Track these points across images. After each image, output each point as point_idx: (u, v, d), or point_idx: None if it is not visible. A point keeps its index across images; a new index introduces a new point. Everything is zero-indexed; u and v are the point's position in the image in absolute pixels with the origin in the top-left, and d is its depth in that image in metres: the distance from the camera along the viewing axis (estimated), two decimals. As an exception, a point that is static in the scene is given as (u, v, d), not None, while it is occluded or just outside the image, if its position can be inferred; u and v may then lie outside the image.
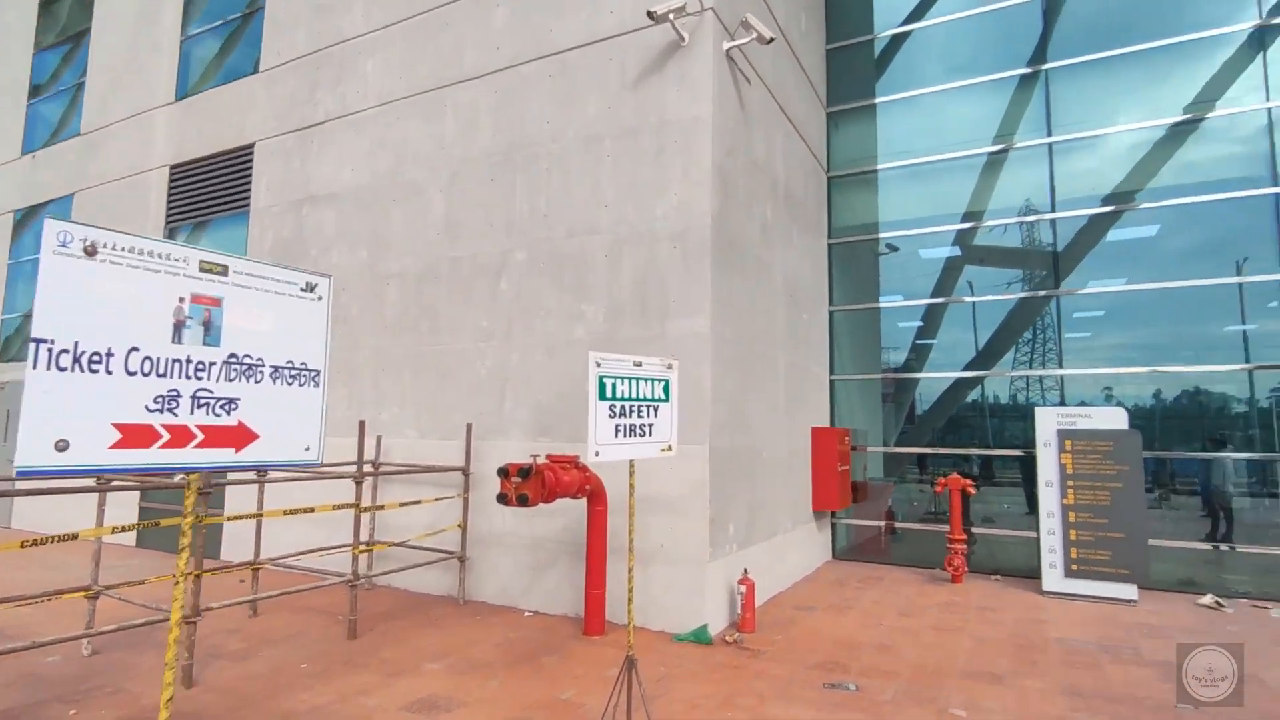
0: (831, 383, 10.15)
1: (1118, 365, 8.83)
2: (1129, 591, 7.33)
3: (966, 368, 9.68)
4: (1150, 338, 8.79)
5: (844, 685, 4.86)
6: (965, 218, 9.79)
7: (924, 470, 10.23)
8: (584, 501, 6.09)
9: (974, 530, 9.48)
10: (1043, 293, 9.17)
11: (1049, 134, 9.25)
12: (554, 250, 7.11)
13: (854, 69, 10.70)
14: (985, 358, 9.56)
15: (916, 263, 10.63)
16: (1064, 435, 7.76)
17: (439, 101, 8.02)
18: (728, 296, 6.68)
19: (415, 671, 5.02)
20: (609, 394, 3.47)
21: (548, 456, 5.60)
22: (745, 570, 6.32)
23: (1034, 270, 9.41)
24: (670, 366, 3.86)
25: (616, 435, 3.48)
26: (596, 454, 3.38)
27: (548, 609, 6.68)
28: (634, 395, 3.59)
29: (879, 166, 10.44)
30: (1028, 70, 9.45)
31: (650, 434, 3.66)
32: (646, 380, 3.66)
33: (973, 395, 9.86)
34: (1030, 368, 9.34)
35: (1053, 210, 9.16)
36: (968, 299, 9.72)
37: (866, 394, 10.72)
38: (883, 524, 10.08)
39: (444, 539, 7.10)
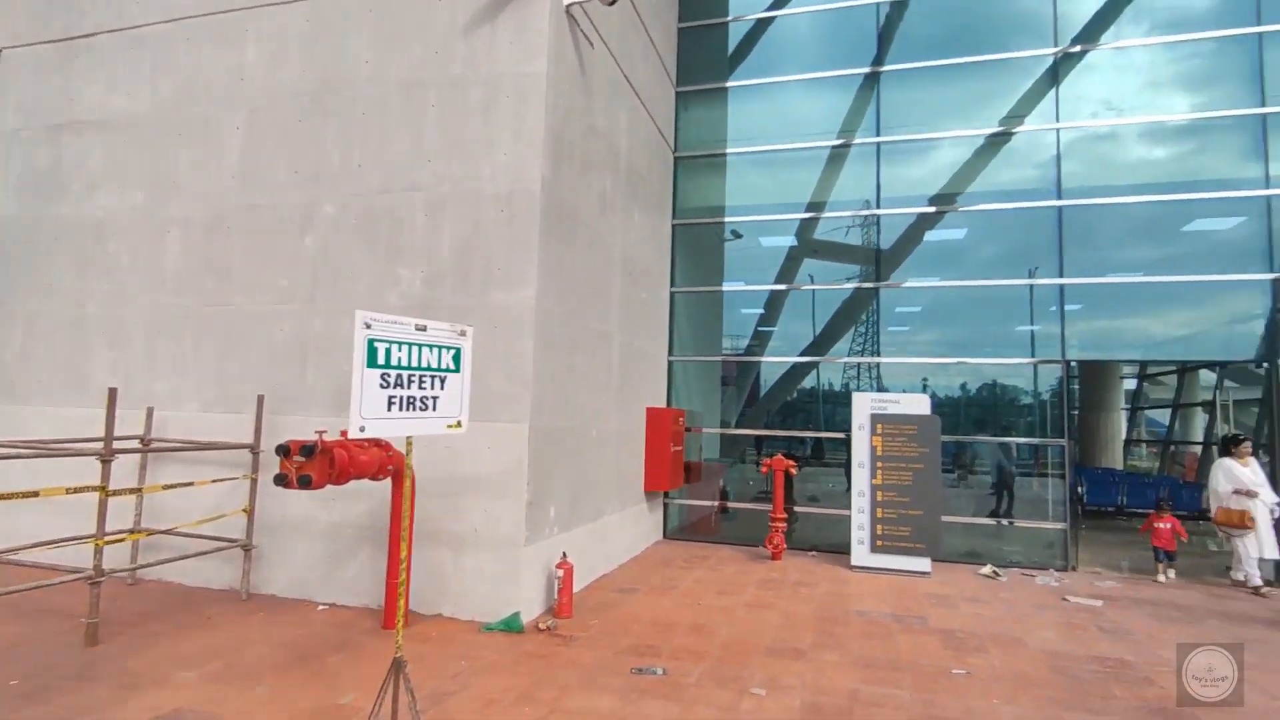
0: (670, 364, 10.14)
1: (929, 357, 9.51)
2: (924, 564, 7.90)
3: (802, 354, 10.03)
4: (957, 334, 9.55)
5: (651, 670, 4.75)
6: (809, 208, 10.10)
7: (761, 452, 10.55)
8: (389, 483, 5.54)
9: (796, 509, 9.90)
10: (868, 285, 9.66)
11: (878, 134, 9.71)
12: (368, 206, 6.41)
13: (707, 51, 10.68)
14: (820, 345, 9.96)
15: (759, 250, 10.87)
16: (876, 419, 8.21)
17: (239, 25, 6.97)
18: (558, 268, 6.35)
19: (163, 682, 4.29)
20: (382, 360, 3.01)
21: (342, 433, 5.00)
22: (564, 554, 6.07)
23: (865, 266, 9.89)
24: (463, 334, 3.46)
25: (391, 408, 3.04)
26: (361, 429, 2.92)
27: (347, 601, 6.07)
28: (415, 364, 3.16)
29: (727, 151, 10.53)
30: (868, 70, 9.86)
31: (435, 408, 3.25)
32: (432, 348, 3.24)
33: (809, 381, 10.25)
34: (862, 355, 9.85)
35: (878, 207, 9.65)
36: (806, 287, 10.06)
37: (706, 376, 10.86)
38: (715, 504, 10.27)
39: (226, 526, 6.24)
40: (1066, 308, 8.83)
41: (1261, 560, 7.50)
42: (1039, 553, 8.76)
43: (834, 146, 9.98)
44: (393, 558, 5.51)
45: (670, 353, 10.17)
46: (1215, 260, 8.66)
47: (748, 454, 10.70)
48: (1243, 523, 7.41)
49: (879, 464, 8.15)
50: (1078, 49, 9.13)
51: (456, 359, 3.38)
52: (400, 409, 3.07)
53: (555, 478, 6.32)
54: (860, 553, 8.09)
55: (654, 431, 9.00)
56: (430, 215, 6.24)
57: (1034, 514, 9.04)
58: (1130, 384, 21.61)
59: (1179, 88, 9.03)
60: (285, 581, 6.27)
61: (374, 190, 6.41)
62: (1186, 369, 18.60)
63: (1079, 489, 12.78)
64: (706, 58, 10.65)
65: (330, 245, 6.47)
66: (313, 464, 4.49)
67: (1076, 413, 18.50)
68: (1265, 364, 8.22)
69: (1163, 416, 21.53)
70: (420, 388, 3.16)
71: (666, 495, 9.85)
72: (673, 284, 10.28)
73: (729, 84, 10.54)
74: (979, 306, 9.53)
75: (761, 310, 10.50)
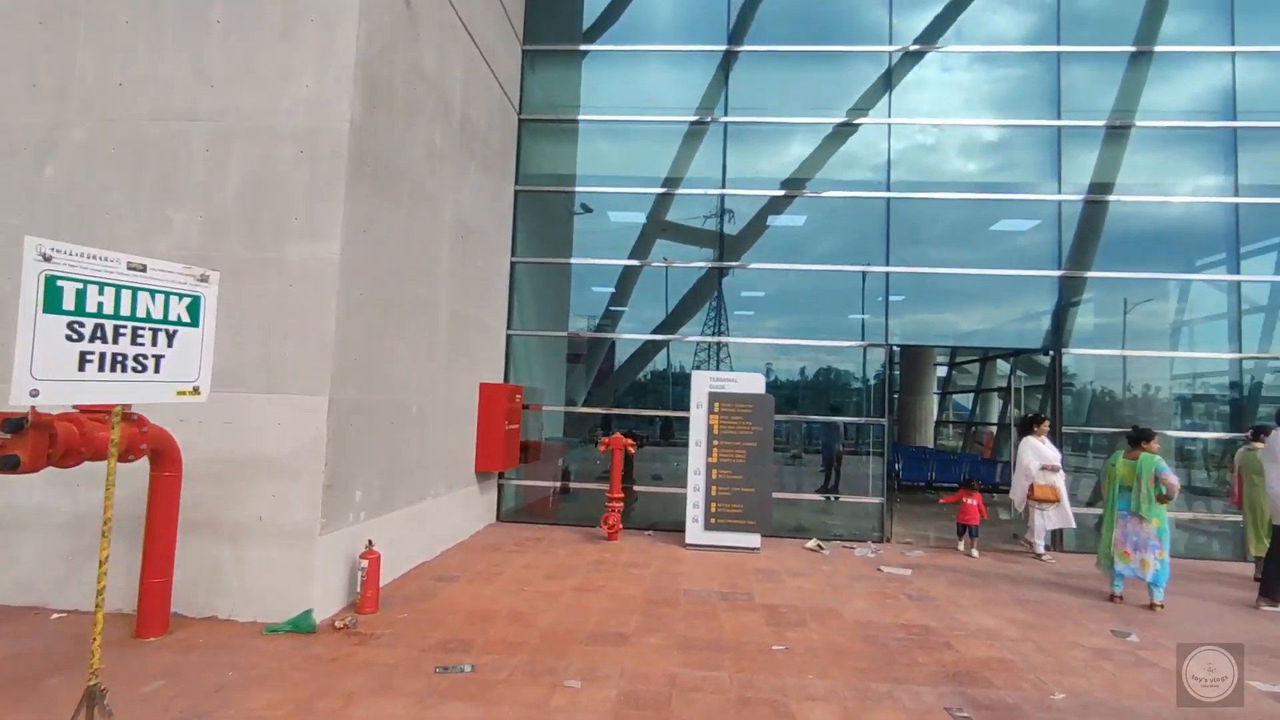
0: (509, 338, 9.62)
1: (771, 338, 9.71)
2: (754, 541, 8.03)
3: (654, 333, 9.86)
4: (797, 320, 9.85)
5: (458, 668, 4.30)
6: (664, 184, 9.89)
7: (609, 431, 10.32)
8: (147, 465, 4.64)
9: (637, 488, 9.79)
10: (713, 264, 9.65)
11: (725, 114, 9.70)
12: (132, 134, 5.34)
13: (561, 13, 10.14)
14: (670, 325, 9.84)
15: (611, 226, 10.57)
16: (714, 398, 8.21)
17: (-44, -106, 5.54)
18: (372, 222, 5.63)
19: None
20: (71, 305, 2.32)
21: (78, 407, 4.07)
22: (370, 542, 5.44)
23: (714, 248, 9.87)
24: (204, 279, 2.80)
25: (85, 367, 2.36)
26: (34, 393, 2.23)
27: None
28: (128, 313, 2.48)
29: (579, 118, 10.09)
30: (724, 49, 9.79)
31: (158, 370, 2.59)
32: (155, 294, 2.57)
33: (660, 361, 10.07)
34: (714, 334, 9.87)
35: (723, 187, 9.65)
36: (656, 264, 9.88)
37: (551, 353, 10.44)
38: (554, 484, 9.92)
39: (-72, 521, 4.99)
40: (891, 298, 9.31)
41: (1051, 531, 8.33)
42: (859, 526, 9.24)
43: (691, 123, 9.85)
44: (150, 554, 4.63)
45: (510, 326, 9.64)
46: (1015, 259, 9.49)
47: (596, 433, 10.45)
48: (1055, 496, 8.11)
49: (715, 442, 8.16)
50: (913, 47, 9.59)
51: (194, 310, 2.72)
52: (103, 369, 2.39)
53: (364, 458, 5.65)
54: (695, 531, 8.08)
55: (488, 408, 8.46)
56: (213, 150, 5.29)
57: (856, 489, 9.53)
58: (941, 371, 23.93)
59: (992, 104, 9.76)
60: (10, 586, 5.14)
61: (140, 116, 5.34)
62: (987, 358, 20.79)
63: (895, 465, 13.83)
64: (557, 18, 10.12)
65: (79, 179, 5.32)
66: (23, 441, 3.57)
67: (897, 396, 20.18)
68: (1050, 352, 9.13)
69: (966, 400, 24.04)
70: (136, 343, 2.49)
71: (502, 476, 9.36)
72: (515, 253, 9.73)
73: (582, 47, 10.09)
74: (817, 295, 9.89)
75: (613, 289, 10.24)
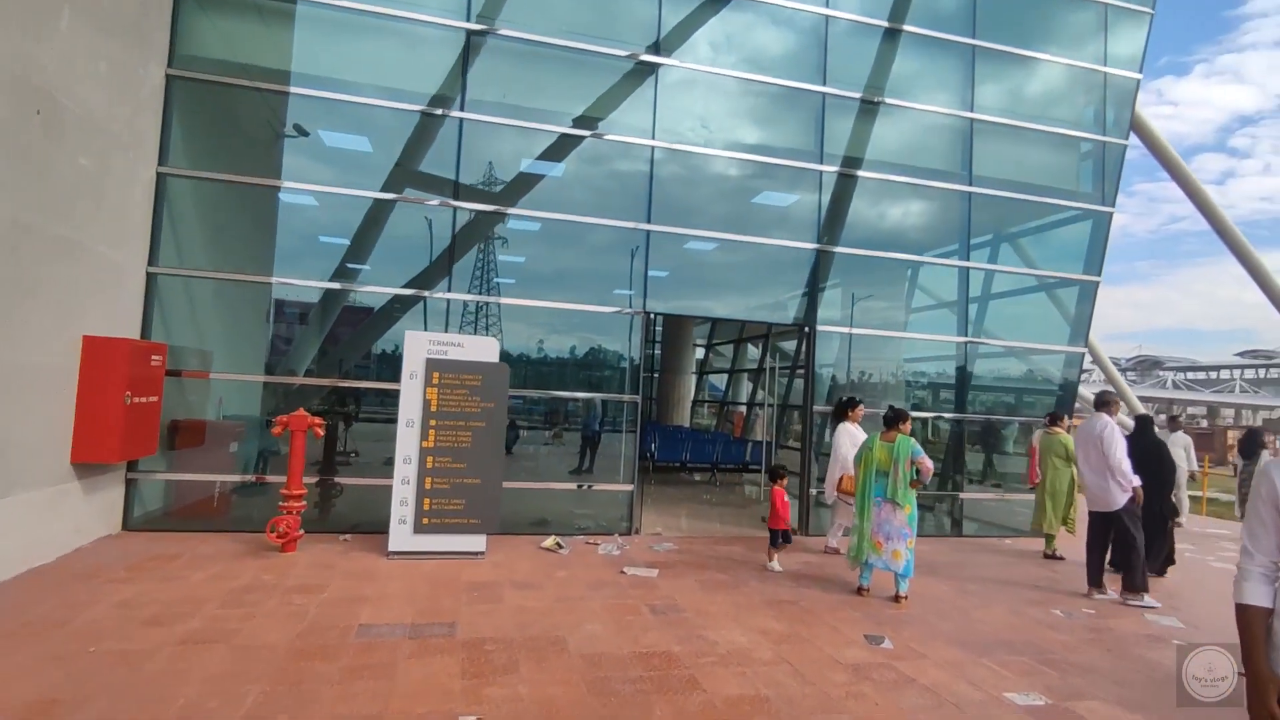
0: (153, 277, 6.95)
1: (530, 298, 8.22)
2: (478, 543, 6.50)
3: (405, 286, 7.79)
4: (560, 289, 8.49)
5: None
6: (434, 101, 7.81)
7: (344, 409, 8.10)
8: None
9: (341, 480, 7.73)
10: (434, 203, 7.84)
11: (468, 18, 7.91)
12: None
13: None
14: (425, 279, 7.84)
15: (352, 157, 8.27)
16: (433, 366, 6.48)
17: None
18: None
19: None
20: None
21: None
22: None
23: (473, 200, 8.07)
24: None
25: None
26: None
27: None
28: None
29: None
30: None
31: None
32: None
33: (415, 324, 7.92)
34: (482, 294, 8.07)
35: (460, 107, 7.87)
36: (413, 201, 7.78)
37: (245, 306, 7.93)
38: (226, 479, 7.46)
39: None
40: (653, 273, 8.30)
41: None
42: (607, 515, 8.16)
43: (471, 33, 7.88)
44: None
45: (155, 262, 6.97)
46: (776, 233, 9.03)
47: (318, 409, 8.11)
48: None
49: (433, 422, 6.45)
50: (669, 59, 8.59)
51: None
52: None
53: None
54: (401, 535, 6.33)
55: (96, 373, 5.86)
56: None
57: (608, 474, 8.44)
58: (700, 353, 24.47)
59: (753, 119, 9.16)
60: None
61: None
62: (741, 339, 21.49)
63: (652, 445, 13.21)
64: None
65: None
66: None
67: (658, 375, 20.00)
68: (806, 326, 8.78)
69: (721, 381, 24.89)
70: None
71: (134, 467, 6.75)
72: (164, 162, 7.03)
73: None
74: (582, 265, 8.68)
75: (347, 240, 7.97)
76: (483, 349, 6.65)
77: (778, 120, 9.22)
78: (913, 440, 5.83)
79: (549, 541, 7.11)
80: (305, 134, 8.22)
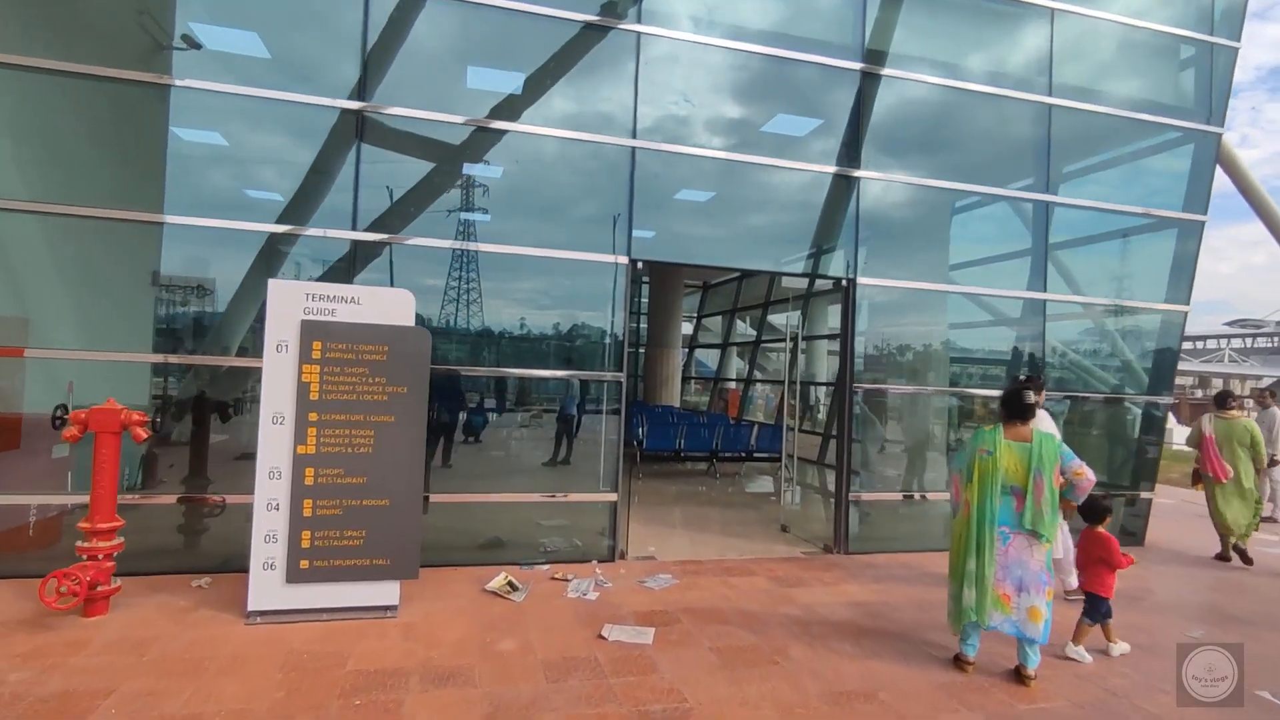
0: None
1: (501, 245, 6.01)
2: (386, 593, 4.39)
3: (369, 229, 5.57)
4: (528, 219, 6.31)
5: None
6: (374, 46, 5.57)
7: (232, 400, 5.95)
8: None
9: (210, 497, 5.56)
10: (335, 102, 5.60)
11: None
12: None
13: None
14: (386, 223, 5.67)
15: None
16: (312, 332, 4.31)
17: None
18: None
19: None
20: None
21: None
22: None
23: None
24: None
25: None
26: None
27: None
28: None
29: None
30: None
31: None
32: None
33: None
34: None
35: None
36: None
37: (118, 258, 5.74)
38: (31, 498, 5.27)
39: None
40: (639, 233, 6.15)
41: None
42: (583, 533, 6.08)
43: None
44: None
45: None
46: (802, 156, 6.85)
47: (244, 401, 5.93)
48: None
49: (313, 416, 4.30)
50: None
51: None
52: None
53: None
54: (268, 586, 4.20)
55: None
56: None
57: (585, 478, 6.36)
58: (689, 328, 22.34)
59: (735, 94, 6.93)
60: None
61: None
62: (736, 311, 19.39)
63: (640, 431, 11.12)
64: None
65: None
66: None
67: (643, 350, 17.88)
68: (845, 280, 6.66)
69: (711, 359, 22.83)
70: None
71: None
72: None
73: None
74: (561, 213, 6.47)
75: (277, 195, 5.76)
76: (389, 305, 4.48)
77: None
78: (1057, 437, 3.78)
79: (498, 581, 5.01)
80: (197, 46, 5.93)
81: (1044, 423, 4.87)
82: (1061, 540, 5.03)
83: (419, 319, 4.89)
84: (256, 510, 4.21)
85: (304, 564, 4.22)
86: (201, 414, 5.68)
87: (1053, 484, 3.59)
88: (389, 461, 4.38)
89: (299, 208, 5.67)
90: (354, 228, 5.57)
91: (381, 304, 4.47)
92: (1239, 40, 7.73)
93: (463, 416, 6.40)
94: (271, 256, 5.65)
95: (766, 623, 4.56)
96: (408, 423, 4.44)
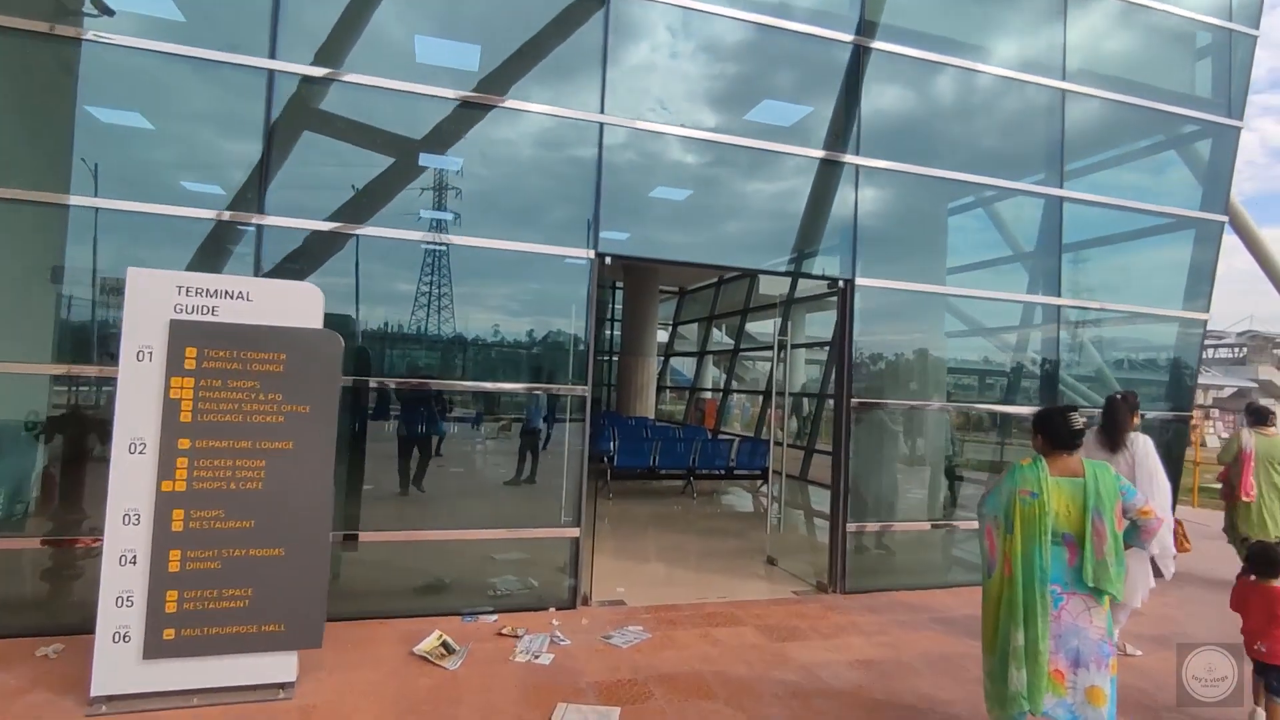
0: None
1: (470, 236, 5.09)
2: (281, 667, 3.45)
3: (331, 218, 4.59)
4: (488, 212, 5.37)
5: None
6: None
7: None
8: None
9: (79, 540, 4.54)
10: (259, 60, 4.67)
11: None
12: None
13: None
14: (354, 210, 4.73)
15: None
16: (184, 335, 3.38)
17: None
18: None
19: None
20: None
21: None
22: None
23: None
24: None
25: None
26: None
27: None
28: None
29: None
30: None
31: None
32: None
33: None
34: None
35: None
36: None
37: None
38: None
39: None
40: (609, 234, 5.32)
41: None
42: (540, 571, 5.20)
43: None
44: None
45: None
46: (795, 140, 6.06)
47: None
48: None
49: (184, 444, 3.36)
50: None
51: None
52: None
53: None
54: (120, 662, 3.24)
55: None
56: None
57: (544, 504, 5.45)
58: (663, 335, 21.49)
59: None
60: None
61: None
62: (713, 318, 18.63)
63: (610, 446, 10.25)
64: None
65: None
66: None
67: (617, 358, 17.01)
68: (842, 281, 5.87)
69: (685, 367, 22.03)
70: None
71: None
72: None
73: None
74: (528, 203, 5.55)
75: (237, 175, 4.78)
76: (290, 303, 3.56)
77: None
78: (1112, 469, 2.99)
79: (430, 641, 4.09)
80: (110, 12, 4.95)
81: (1148, 455, 4.14)
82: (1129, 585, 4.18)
83: (333, 322, 3.96)
84: (106, 565, 3.25)
85: (168, 634, 3.27)
86: (79, 435, 4.69)
87: (1115, 527, 2.80)
88: (285, 500, 3.45)
89: (233, 191, 4.72)
90: (261, 210, 4.64)
91: (279, 301, 3.55)
92: (1258, 27, 7.16)
93: (404, 433, 5.47)
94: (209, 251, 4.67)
95: (759, 695, 3.70)
96: (310, 450, 3.52)
